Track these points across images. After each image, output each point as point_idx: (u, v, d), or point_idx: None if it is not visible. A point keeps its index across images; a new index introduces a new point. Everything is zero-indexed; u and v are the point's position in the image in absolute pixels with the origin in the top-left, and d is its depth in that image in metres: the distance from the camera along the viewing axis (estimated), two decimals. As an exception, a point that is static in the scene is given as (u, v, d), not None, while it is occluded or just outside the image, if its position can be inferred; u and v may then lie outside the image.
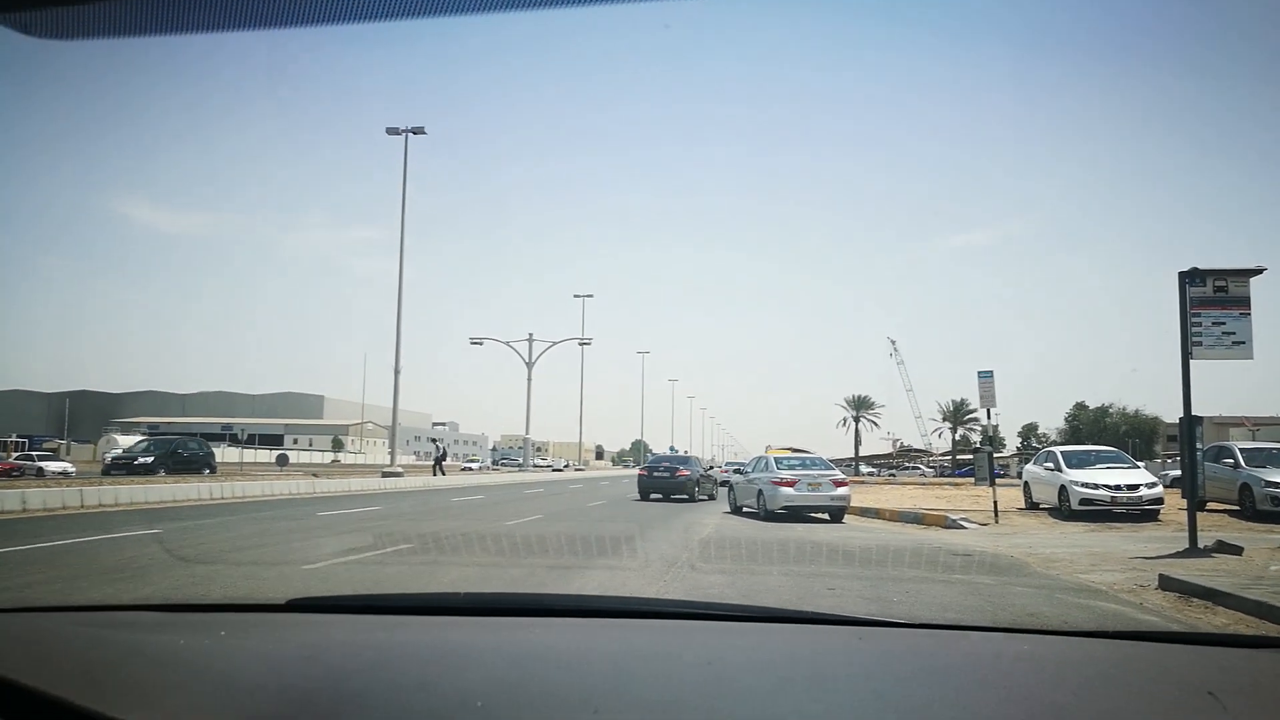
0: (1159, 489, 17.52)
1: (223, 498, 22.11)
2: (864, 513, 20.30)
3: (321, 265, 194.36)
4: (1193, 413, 11.45)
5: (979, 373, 17.23)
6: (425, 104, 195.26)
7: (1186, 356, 11.51)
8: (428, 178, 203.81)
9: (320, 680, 1.53)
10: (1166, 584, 8.43)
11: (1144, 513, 17.22)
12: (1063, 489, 17.84)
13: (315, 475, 34.56)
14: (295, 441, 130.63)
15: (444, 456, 42.22)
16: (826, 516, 18.65)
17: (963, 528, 16.37)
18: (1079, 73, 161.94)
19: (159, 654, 1.70)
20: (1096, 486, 17.26)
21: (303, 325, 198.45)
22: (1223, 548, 11.06)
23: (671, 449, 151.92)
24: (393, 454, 38.08)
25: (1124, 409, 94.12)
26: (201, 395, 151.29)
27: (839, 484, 18.57)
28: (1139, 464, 19.35)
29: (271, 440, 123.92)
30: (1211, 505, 17.80)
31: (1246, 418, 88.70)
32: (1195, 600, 7.73)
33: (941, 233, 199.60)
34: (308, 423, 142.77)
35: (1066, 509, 17.61)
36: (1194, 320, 11.58)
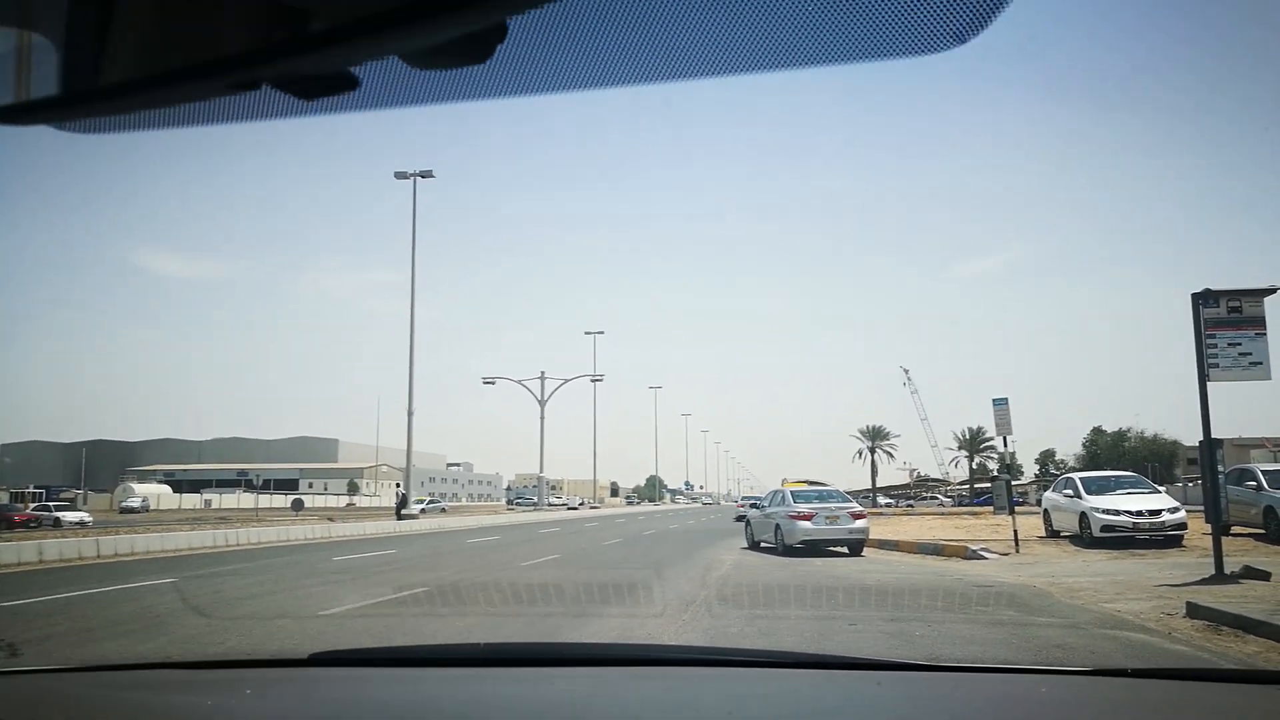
0: (1182, 514, 17.28)
1: (239, 544, 22.08)
2: (882, 545, 20.08)
3: (337, 309, 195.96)
4: (1212, 435, 11.32)
5: (994, 400, 17.13)
6: (436, 143, 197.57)
7: (1203, 379, 11.40)
8: (441, 218, 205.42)
9: None
10: (1195, 612, 8.28)
11: (1167, 538, 16.97)
12: (1083, 516, 17.62)
13: (331, 519, 34.55)
14: (310, 485, 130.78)
15: (404, 503, 42.54)
16: (845, 550, 18.47)
17: (983, 558, 16.17)
18: (1085, 98, 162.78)
19: (186, 716, 1.70)
20: (1118, 513, 17.04)
21: (317, 369, 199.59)
22: (1250, 573, 10.88)
23: (687, 484, 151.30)
24: (407, 496, 38.04)
25: (1142, 433, 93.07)
26: (217, 441, 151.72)
27: (857, 516, 18.39)
28: (1160, 489, 19.10)
29: (287, 485, 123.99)
30: (1235, 529, 17.53)
31: (1267, 439, 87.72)
32: (1225, 629, 7.58)
33: (953, 260, 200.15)
34: (323, 466, 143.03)
35: (1088, 536, 17.38)
36: (1209, 342, 11.49)
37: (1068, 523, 18.70)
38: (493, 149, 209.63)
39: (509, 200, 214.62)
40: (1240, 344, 11.57)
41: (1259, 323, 11.66)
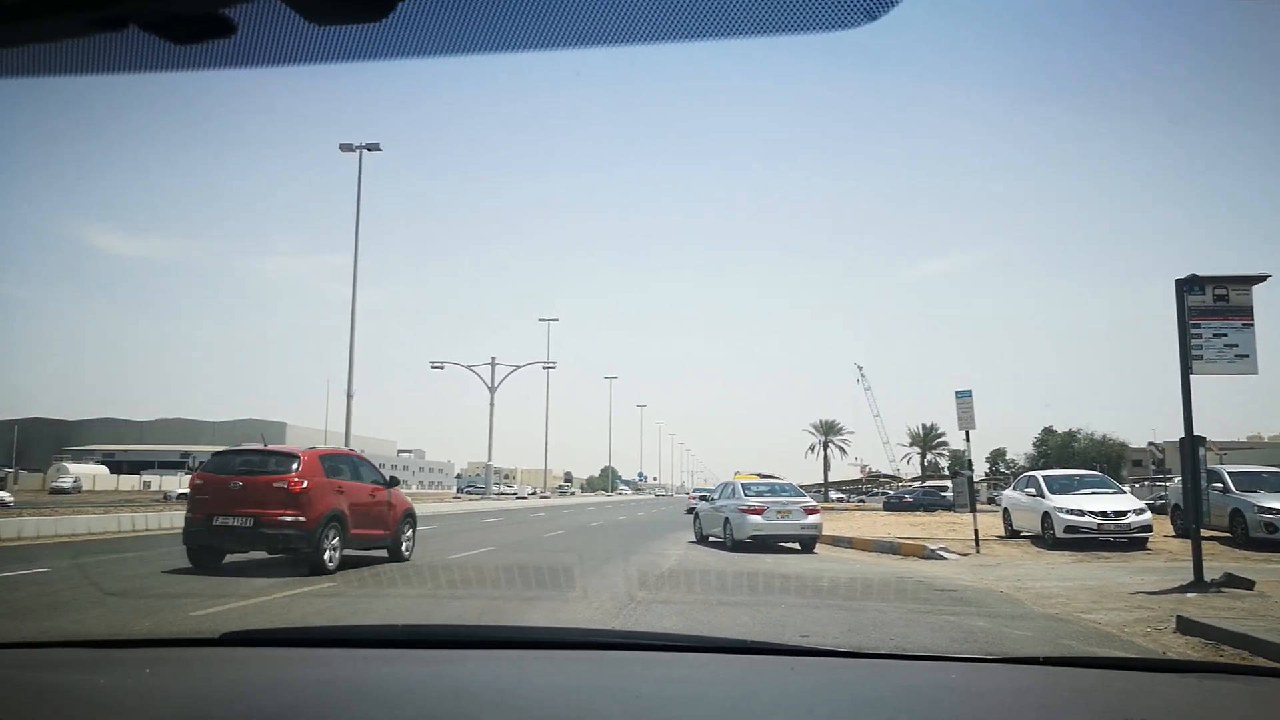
0: (1147, 515, 16.56)
1: (146, 529, 20.52)
2: (836, 542, 19.18)
3: (290, 291, 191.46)
4: (1194, 432, 10.47)
5: (957, 392, 16.24)
6: (397, 126, 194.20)
7: (1186, 371, 10.53)
8: (399, 203, 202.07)
9: (250, 717, 1.51)
10: (1187, 628, 7.35)
11: (1131, 540, 16.25)
12: (1046, 516, 16.84)
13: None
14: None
15: None
16: (797, 546, 17.53)
17: (942, 558, 15.30)
18: (1046, 104, 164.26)
19: (81, 694, 1.63)
20: (1083, 513, 16.26)
21: (268, 353, 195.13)
22: (1232, 581, 10.03)
23: (641, 475, 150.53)
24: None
25: (1091, 434, 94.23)
26: (161, 422, 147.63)
27: (810, 511, 17.43)
28: (1124, 489, 18.38)
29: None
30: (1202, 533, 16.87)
31: (1214, 442, 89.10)
32: (1227, 648, 6.64)
33: (908, 260, 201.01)
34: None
35: (1050, 537, 16.60)
36: (1193, 331, 10.62)
37: (1029, 522, 17.93)
38: (456, 133, 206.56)
39: (471, 186, 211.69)
40: (1226, 335, 10.70)
41: (1246, 313, 10.79)
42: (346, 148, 34.97)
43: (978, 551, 15.78)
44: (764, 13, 0.86)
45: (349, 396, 34.53)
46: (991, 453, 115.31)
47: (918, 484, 68.40)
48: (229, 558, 12.28)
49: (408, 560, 13.64)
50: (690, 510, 25.75)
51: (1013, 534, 18.72)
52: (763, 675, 1.88)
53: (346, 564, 12.17)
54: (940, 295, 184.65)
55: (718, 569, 13.90)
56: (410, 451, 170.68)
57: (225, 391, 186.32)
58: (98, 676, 1.76)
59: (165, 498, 47.22)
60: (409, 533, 14.08)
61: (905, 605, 9.36)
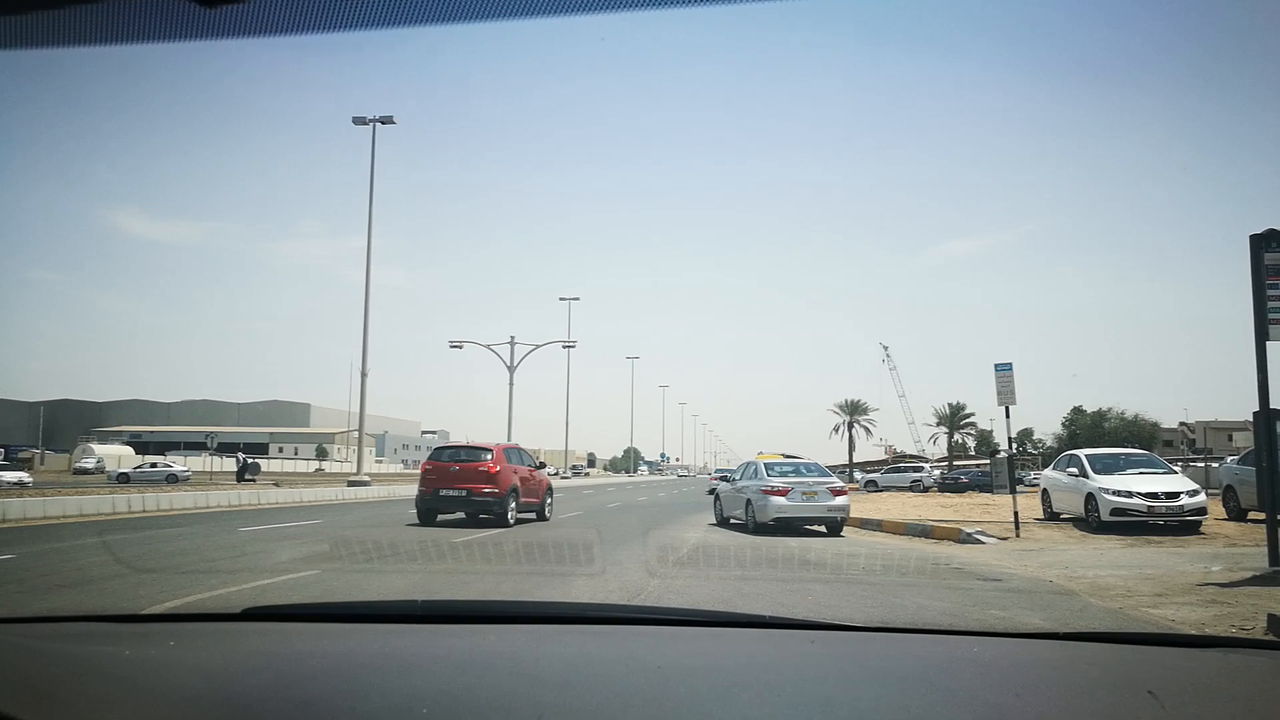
0: (1202, 497, 15.42)
1: (144, 510, 19.85)
2: (864, 524, 18.19)
3: (315, 274, 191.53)
4: (1270, 404, 9.38)
5: (996, 365, 15.15)
6: (419, 111, 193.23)
7: (1262, 336, 9.45)
8: (423, 186, 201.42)
9: (269, 689, 1.53)
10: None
11: (1183, 524, 15.13)
12: (1090, 497, 15.74)
13: (277, 485, 32.37)
14: (281, 450, 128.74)
15: (245, 468, 41.32)
16: (823, 529, 16.57)
17: (979, 542, 14.28)
18: (1069, 79, 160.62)
19: (106, 666, 1.67)
20: (1131, 495, 15.16)
21: (293, 334, 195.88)
22: (1314, 571, 8.97)
23: (663, 456, 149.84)
24: (359, 462, 35.78)
25: (1122, 413, 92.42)
26: (188, 404, 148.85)
27: (836, 492, 16.45)
28: (1175, 468, 17.21)
29: (257, 449, 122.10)
30: (1253, 515, 15.75)
31: (1227, 422, 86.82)
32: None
33: (933, 240, 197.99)
34: (294, 431, 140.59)
35: (1095, 520, 15.52)
36: (1271, 293, 9.52)
37: (1071, 504, 16.85)
38: (482, 116, 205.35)
39: (497, 168, 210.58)
40: (1308, 296, 9.60)
41: (1331, 271, 9.68)
42: (360, 120, 34.13)
43: (1017, 535, 14.74)
44: None
45: (363, 375, 33.80)
46: (1019, 433, 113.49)
47: (968, 464, 67.22)
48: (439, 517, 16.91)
49: (548, 520, 18.39)
50: (712, 491, 24.80)
51: (1052, 516, 17.65)
52: (782, 649, 1.91)
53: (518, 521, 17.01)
54: (965, 275, 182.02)
55: (738, 552, 13.00)
56: (435, 433, 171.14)
57: (250, 373, 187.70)
58: (123, 649, 1.80)
59: (172, 479, 46.68)
60: (549, 501, 19.19)
61: (945, 597, 8.39)
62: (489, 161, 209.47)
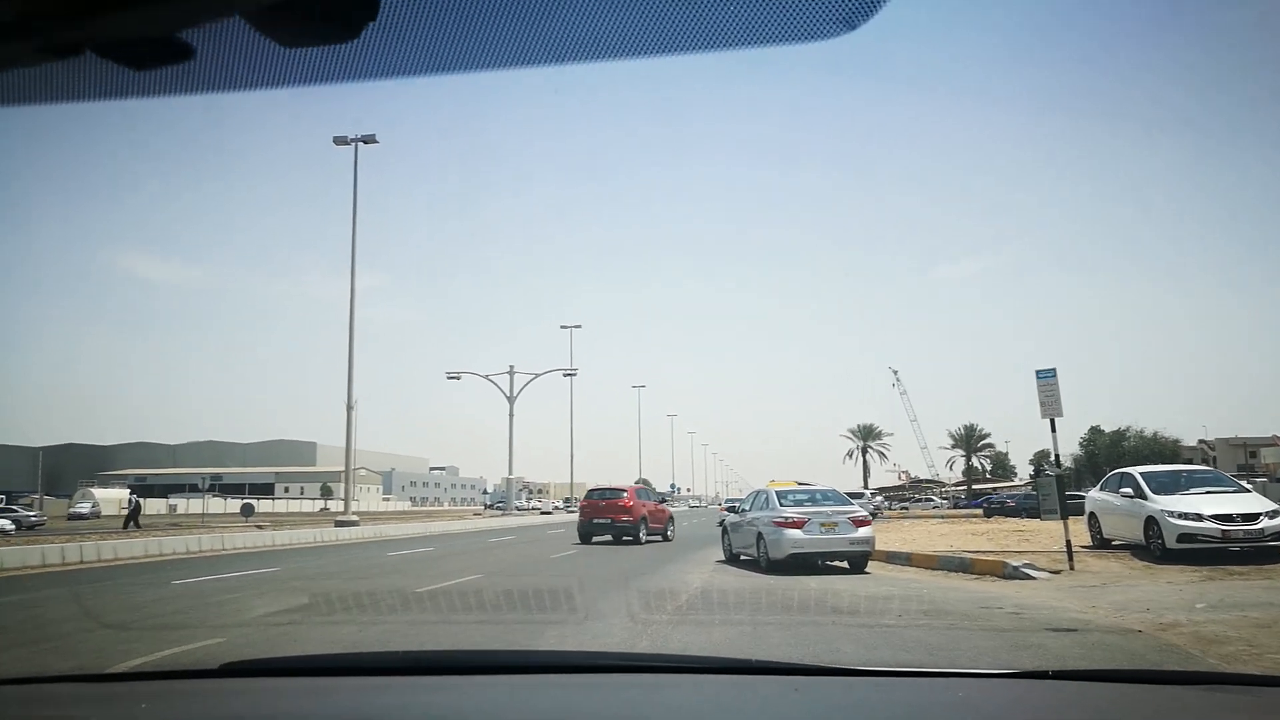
0: (1284, 519, 13.38)
1: (80, 561, 17.91)
2: (891, 558, 16.19)
3: (319, 312, 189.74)
4: None
5: (1038, 372, 13.23)
6: (410, 134, 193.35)
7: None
8: (421, 218, 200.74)
9: None
10: None
11: (1262, 550, 13.11)
12: (1150, 521, 13.75)
13: (260, 528, 30.45)
14: (287, 490, 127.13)
15: (137, 510, 38.76)
16: (845, 564, 14.62)
17: (1029, 578, 12.30)
18: (1069, 94, 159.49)
19: None
20: (1200, 518, 13.14)
21: (298, 373, 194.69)
22: None
23: (673, 487, 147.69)
24: (347, 501, 33.84)
25: (1141, 432, 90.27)
26: (193, 445, 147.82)
27: (859, 523, 14.49)
28: (1247, 487, 15.18)
29: (262, 489, 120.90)
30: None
31: (1245, 439, 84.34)
32: None
33: (940, 259, 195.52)
34: (299, 470, 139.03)
35: (1158, 548, 13.52)
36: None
37: (1125, 529, 14.85)
38: (487, 146, 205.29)
39: (501, 201, 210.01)
40: None
41: None
42: (341, 140, 32.65)
43: (1071, 568, 12.74)
44: (747, 25, 0.85)
45: (349, 408, 32.00)
46: (1035, 454, 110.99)
47: (1013, 488, 65.07)
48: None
49: (671, 541, 23.14)
50: (721, 523, 22.81)
51: (1103, 544, 15.64)
52: (764, 696, 1.86)
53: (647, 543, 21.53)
54: (973, 295, 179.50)
55: (750, 597, 11.14)
56: (443, 469, 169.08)
57: (256, 413, 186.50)
58: (88, 713, 1.72)
59: (203, 520, 44.83)
60: (671, 527, 24.32)
61: (1017, 658, 6.45)
62: (487, 191, 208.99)
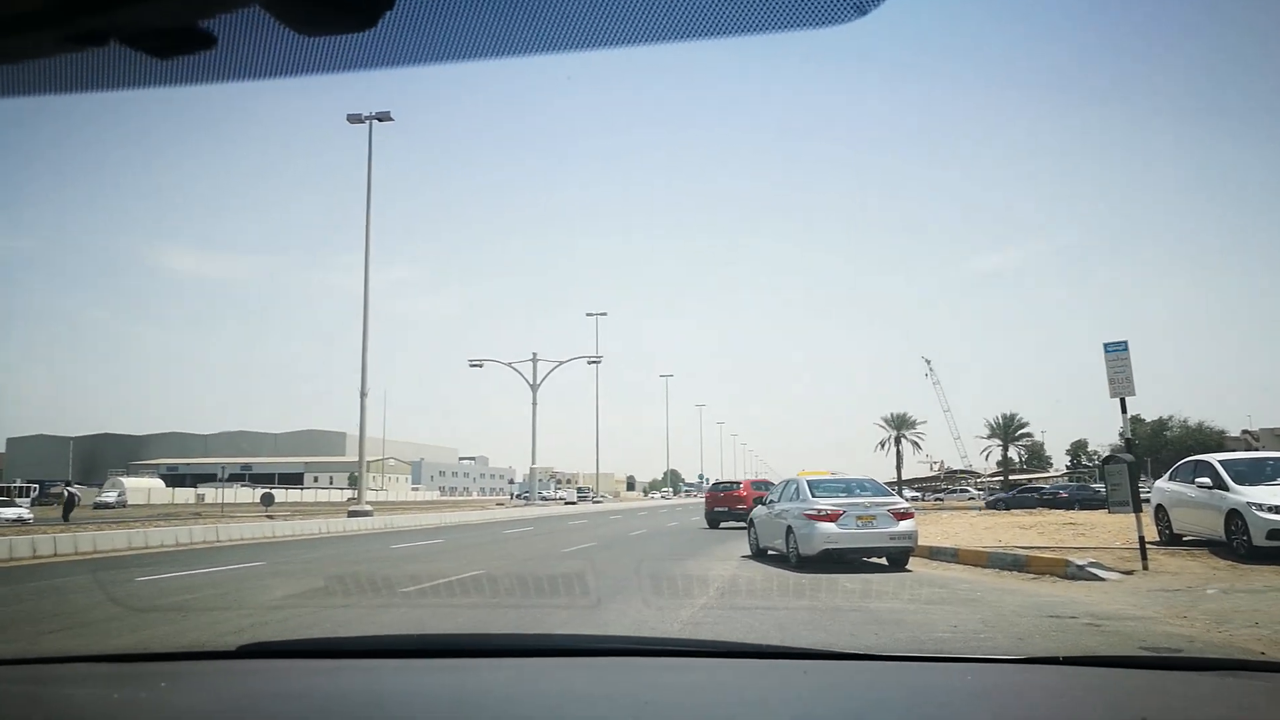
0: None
1: (53, 554, 16.76)
2: (934, 554, 14.68)
3: (351, 304, 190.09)
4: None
5: (1106, 346, 11.63)
6: (453, 133, 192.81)
7: None
8: (464, 210, 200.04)
9: None
10: None
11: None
12: (1234, 515, 12.12)
13: (270, 518, 29.45)
14: (316, 479, 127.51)
15: (71, 503, 38.17)
16: (884, 561, 13.16)
17: (1097, 578, 10.76)
18: (1110, 77, 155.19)
19: (95, 710, 1.63)
20: (1294, 511, 11.50)
21: (329, 364, 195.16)
22: None
23: (701, 477, 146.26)
24: (360, 490, 32.70)
25: (1184, 422, 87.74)
26: (225, 435, 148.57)
27: (901, 516, 13.00)
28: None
29: (292, 479, 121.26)
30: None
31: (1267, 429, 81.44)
32: None
33: (975, 250, 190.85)
34: (329, 460, 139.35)
35: (1243, 545, 11.89)
36: None
37: (1201, 523, 13.23)
38: (516, 141, 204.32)
39: (538, 190, 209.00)
40: None
41: None
42: (355, 118, 31.38)
43: (1144, 568, 11.17)
44: (760, 11, 0.87)
45: (362, 395, 30.90)
46: (1072, 444, 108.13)
47: (1049, 479, 63.15)
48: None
49: None
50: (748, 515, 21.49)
51: (1172, 539, 14.02)
52: (773, 679, 1.88)
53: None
54: (1007, 285, 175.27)
55: (779, 598, 9.76)
56: (472, 459, 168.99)
57: (287, 403, 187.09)
58: (111, 691, 1.76)
59: (222, 510, 44.07)
60: None
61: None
62: (513, 176, 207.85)
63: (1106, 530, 17.72)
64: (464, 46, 0.89)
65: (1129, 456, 11.37)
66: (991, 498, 47.64)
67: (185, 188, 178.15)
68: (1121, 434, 12.03)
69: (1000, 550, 13.63)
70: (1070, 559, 11.66)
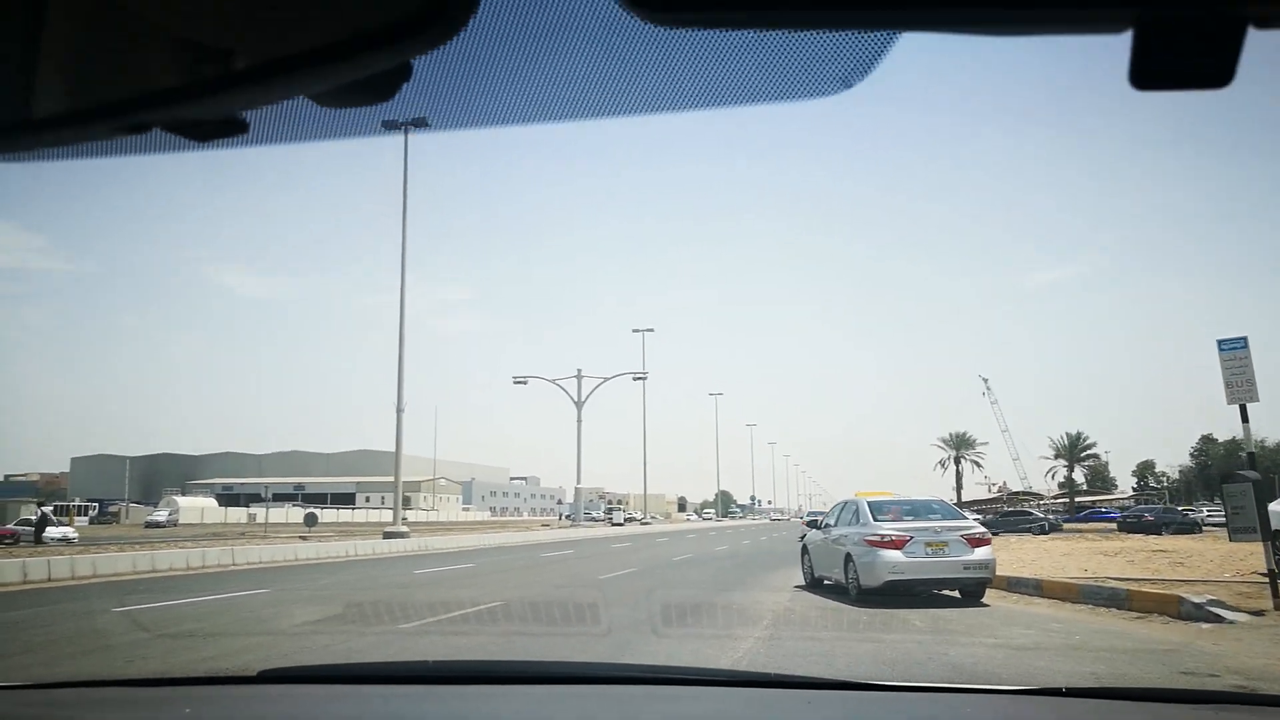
0: None
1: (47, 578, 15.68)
2: (1013, 586, 12.95)
3: (410, 326, 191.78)
4: None
5: (1221, 343, 9.92)
6: (491, 150, 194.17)
7: None
8: (510, 230, 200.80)
9: None
10: None
11: None
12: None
13: (304, 539, 28.55)
14: (368, 499, 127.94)
15: (43, 524, 35.54)
16: (956, 593, 11.54)
17: (1221, 619, 9.05)
18: (1156, 100, 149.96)
19: None
20: None
21: (380, 385, 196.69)
22: None
23: (753, 498, 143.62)
24: (396, 511, 31.60)
25: (1262, 441, 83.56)
26: (279, 455, 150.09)
27: (976, 542, 11.37)
28: None
29: (343, 499, 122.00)
30: None
31: None
32: None
33: (1030, 267, 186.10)
34: (381, 480, 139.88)
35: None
36: None
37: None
38: (569, 168, 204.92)
39: (580, 212, 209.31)
40: None
41: None
42: (390, 125, 30.44)
43: (1276, 607, 9.41)
44: (751, 86, 0.90)
45: (399, 410, 29.94)
46: (1139, 465, 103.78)
47: (1114, 501, 60.13)
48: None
49: None
50: (802, 539, 19.82)
51: (1292, 571, 12.13)
52: (775, 710, 1.88)
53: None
54: (1062, 305, 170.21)
55: (839, 644, 8.23)
56: (524, 479, 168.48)
57: (340, 423, 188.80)
58: (137, 714, 1.81)
59: (265, 531, 43.46)
60: None
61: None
62: (559, 194, 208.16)
63: (1206, 559, 15.83)
64: (474, 115, 0.93)
65: (1254, 474, 9.60)
66: (1121, 515, 45.13)
67: (243, 212, 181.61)
68: (1242, 448, 10.23)
69: (1093, 583, 11.87)
70: (1182, 594, 9.92)
